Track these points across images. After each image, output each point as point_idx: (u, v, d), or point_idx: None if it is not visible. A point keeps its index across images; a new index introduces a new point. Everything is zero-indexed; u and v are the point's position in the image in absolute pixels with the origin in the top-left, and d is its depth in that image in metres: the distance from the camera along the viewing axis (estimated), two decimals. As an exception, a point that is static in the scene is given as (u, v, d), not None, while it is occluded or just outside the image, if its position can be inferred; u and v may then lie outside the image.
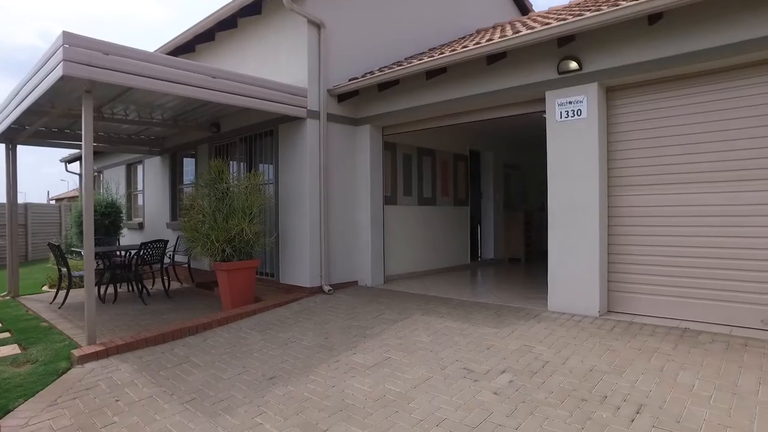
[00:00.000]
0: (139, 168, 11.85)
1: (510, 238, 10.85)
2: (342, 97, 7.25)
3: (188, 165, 10.02)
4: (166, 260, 8.60)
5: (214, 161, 6.68)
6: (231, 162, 8.39)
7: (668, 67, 4.65)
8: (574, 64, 5.19)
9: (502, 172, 10.92)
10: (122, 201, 11.81)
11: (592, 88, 5.12)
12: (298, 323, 5.64)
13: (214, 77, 5.84)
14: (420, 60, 6.34)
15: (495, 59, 5.64)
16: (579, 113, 5.22)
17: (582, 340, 4.43)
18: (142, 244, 7.49)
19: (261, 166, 7.80)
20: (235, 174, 8.13)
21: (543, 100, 5.55)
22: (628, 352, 4.06)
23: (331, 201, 7.21)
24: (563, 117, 5.34)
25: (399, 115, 7.04)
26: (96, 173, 14.37)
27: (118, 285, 8.65)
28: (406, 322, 5.36)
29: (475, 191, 10.54)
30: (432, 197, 9.00)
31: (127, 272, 7.80)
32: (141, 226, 11.49)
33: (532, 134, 10.82)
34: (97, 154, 13.46)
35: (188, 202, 6.65)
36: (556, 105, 5.39)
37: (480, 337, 4.71)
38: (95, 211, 10.00)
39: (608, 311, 5.22)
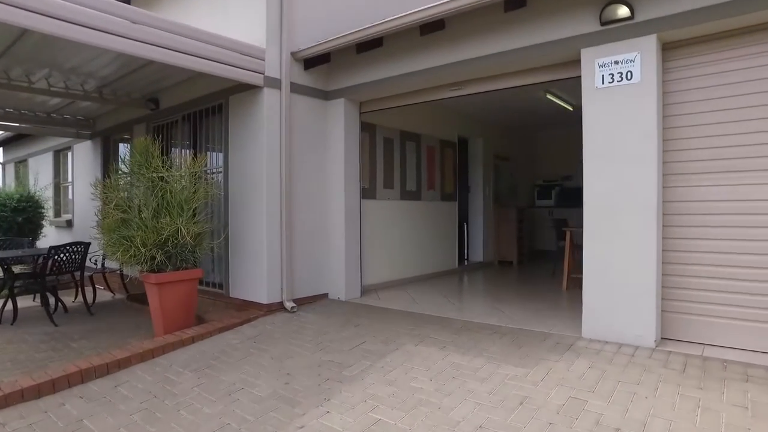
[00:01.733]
0: (69, 155, 10.02)
1: (501, 239, 9.59)
2: (310, 63, 5.76)
3: (124, 151, 8.33)
4: (93, 266, 6.95)
5: (141, 139, 5.08)
6: (173, 146, 6.78)
7: (754, 10, 3.40)
8: (624, 10, 3.87)
9: (491, 163, 9.64)
10: (46, 194, 9.95)
11: (649, 43, 3.82)
12: (250, 357, 4.16)
13: (134, 22, 4.27)
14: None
15: (512, 5, 4.27)
16: (629, 76, 3.91)
17: (651, 389, 3.13)
18: (52, 247, 5.84)
19: (209, 149, 6.24)
20: (176, 160, 6.52)
21: (577, 62, 4.23)
22: (731, 412, 2.77)
23: (296, 194, 5.72)
24: (606, 82, 4.02)
25: (382, 87, 5.60)
26: (18, 161, 12.38)
27: (32, 299, 6.97)
28: (396, 356, 3.95)
29: (462, 184, 9.22)
30: (417, 190, 7.62)
31: (35, 282, 6.11)
32: (70, 224, 9.69)
33: (526, 120, 9.57)
34: (21, 138, 11.50)
35: (104, 193, 5.04)
36: (597, 67, 4.07)
37: (504, 383, 3.35)
38: (3, 206, 8.20)
39: (661, 338, 3.95)
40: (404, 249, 7.33)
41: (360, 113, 6.23)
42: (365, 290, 6.44)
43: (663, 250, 3.95)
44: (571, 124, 10.53)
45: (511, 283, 7.31)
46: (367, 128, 6.65)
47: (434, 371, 3.62)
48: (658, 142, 3.83)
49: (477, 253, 9.41)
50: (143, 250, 4.77)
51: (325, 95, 6.10)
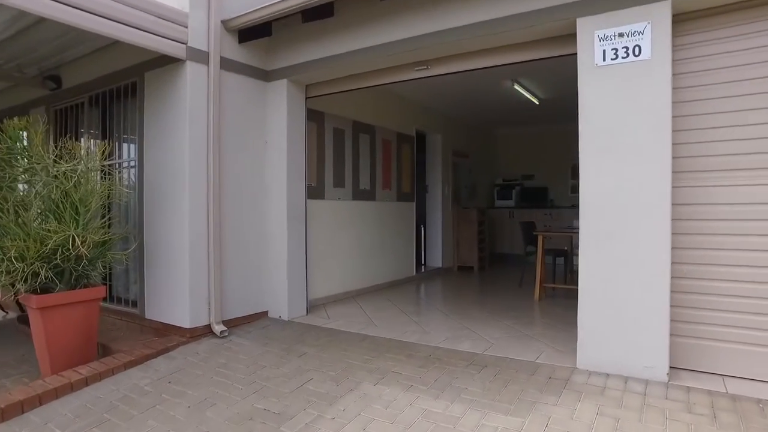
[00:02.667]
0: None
1: (461, 243, 8.89)
2: (246, 35, 4.78)
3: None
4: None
5: (16, 121, 3.91)
6: (81, 135, 5.59)
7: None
8: (632, -31, 3.17)
9: (450, 161, 8.92)
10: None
11: (661, 11, 3.13)
12: (160, 406, 3.16)
13: (-2, -40, 3.17)
14: (368, -26, 4.05)
15: (496, -36, 3.48)
16: (637, 52, 3.21)
17: (687, 449, 2.41)
18: None
19: (123, 139, 5.12)
20: (79, 151, 5.34)
21: (572, 35, 3.50)
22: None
23: (228, 193, 4.72)
24: (608, 59, 3.31)
25: (333, 66, 4.70)
26: None
27: None
28: (352, 402, 3.07)
29: (419, 183, 8.45)
30: (371, 189, 6.76)
31: None
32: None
33: (488, 114, 8.92)
34: None
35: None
36: (596, 40, 3.35)
37: (498, 444, 2.55)
38: None
39: (670, 367, 3.27)
40: (357, 256, 6.45)
41: (306, 98, 5.29)
42: (312, 306, 5.52)
43: (672, 263, 3.28)
44: (534, 121, 10.09)
45: (478, 294, 6.58)
46: (315, 117, 5.72)
47: (402, 425, 2.76)
48: (670, 133, 3.15)
49: (435, 258, 8.67)
50: (20, 264, 3.64)
51: (265, 75, 5.12)
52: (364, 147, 6.60)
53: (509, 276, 8.14)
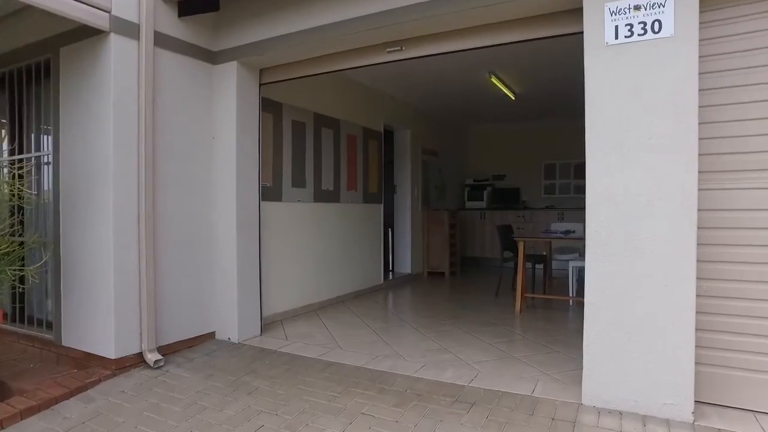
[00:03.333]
0: None
1: (431, 247, 8.33)
2: (186, 7, 4.03)
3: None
4: None
5: None
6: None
7: None
8: (654, -74, 2.63)
9: (420, 159, 8.34)
10: None
11: (687, -22, 2.62)
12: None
13: None
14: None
15: None
16: (656, 28, 2.68)
17: None
18: None
19: (38, 129, 4.27)
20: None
21: (577, 10, 2.95)
22: None
23: (164, 195, 3.96)
24: (622, 36, 2.77)
25: (291, 46, 4.01)
26: None
27: None
28: (315, 463, 2.41)
29: (387, 183, 7.83)
30: (334, 190, 6.09)
31: None
32: None
33: (460, 109, 8.40)
34: None
35: None
36: (607, 14, 2.80)
37: None
38: None
39: (695, 401, 2.76)
40: (319, 265, 5.77)
41: (260, 84, 4.58)
42: (268, 324, 4.81)
43: (696, 278, 2.76)
44: (506, 118, 9.62)
45: (452, 306, 6.01)
46: (271, 107, 5.01)
47: (379, 497, 2.13)
48: (697, 125, 2.63)
49: (404, 264, 8.07)
50: None
51: (212, 57, 4.38)
52: (327, 143, 5.93)
53: (483, 283, 7.62)
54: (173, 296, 4.02)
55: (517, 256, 6.14)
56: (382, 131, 7.19)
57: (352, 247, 6.41)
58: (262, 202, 4.69)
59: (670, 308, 2.68)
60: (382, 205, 7.18)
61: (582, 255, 6.73)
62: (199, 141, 4.30)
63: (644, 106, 2.73)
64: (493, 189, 10.04)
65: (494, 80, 6.35)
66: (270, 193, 4.95)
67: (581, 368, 2.95)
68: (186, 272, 4.16)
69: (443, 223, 8.22)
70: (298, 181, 5.41)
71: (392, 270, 8.14)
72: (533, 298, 5.92)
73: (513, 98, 7.28)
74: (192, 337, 4.22)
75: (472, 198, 9.89)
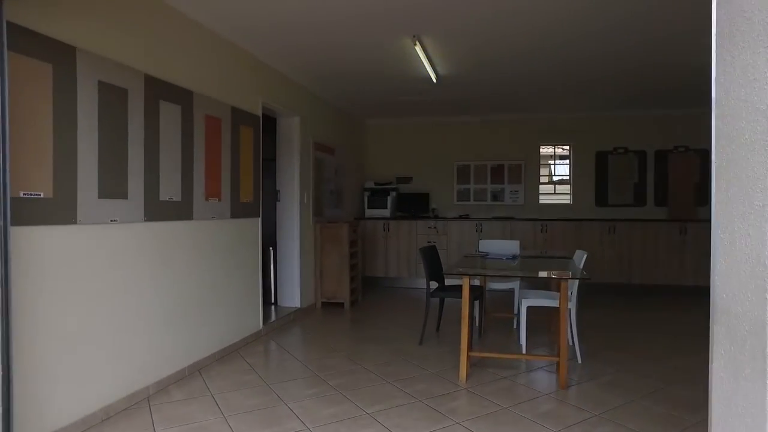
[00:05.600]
0: None
1: (326, 269, 6.43)
2: None
3: None
4: None
5: None
6: None
7: None
8: None
9: (312, 156, 6.40)
10: None
11: None
12: None
13: None
14: None
15: None
16: None
17: None
18: None
19: None
20: None
21: None
22: None
23: None
24: None
25: None
26: None
27: None
28: None
29: (268, 189, 5.79)
30: (184, 201, 3.90)
31: None
32: None
33: (361, 94, 6.60)
34: None
35: None
36: None
37: None
38: None
39: None
40: (155, 323, 3.58)
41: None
42: (38, 457, 2.57)
43: None
44: (415, 111, 7.98)
45: (364, 365, 4.16)
46: (48, 50, 2.73)
47: None
48: None
49: (291, 295, 6.07)
50: None
51: None
52: (170, 126, 3.73)
53: (396, 317, 5.91)
54: None
55: (449, 290, 4.54)
56: (261, 115, 5.12)
57: (214, 284, 4.28)
58: (28, 228, 2.45)
59: None
60: (259, 219, 5.11)
61: (528, 283, 5.34)
62: None
63: None
64: (399, 194, 8.40)
65: (418, 50, 4.63)
66: (48, 210, 2.69)
67: None
68: None
69: (341, 239, 6.38)
70: (113, 189, 3.17)
71: (275, 303, 6.10)
72: (486, 358, 4.27)
73: (435, 80, 5.64)
74: None
75: (374, 205, 8.15)
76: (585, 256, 4.19)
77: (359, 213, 8.33)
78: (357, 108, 7.75)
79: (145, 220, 3.43)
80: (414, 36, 4.39)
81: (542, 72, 5.61)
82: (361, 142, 8.69)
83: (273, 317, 5.57)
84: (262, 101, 5.12)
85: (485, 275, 4.41)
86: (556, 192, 8.22)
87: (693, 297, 6.96)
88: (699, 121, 7.42)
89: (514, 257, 4.58)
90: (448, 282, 4.71)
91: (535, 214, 7.97)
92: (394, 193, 8.25)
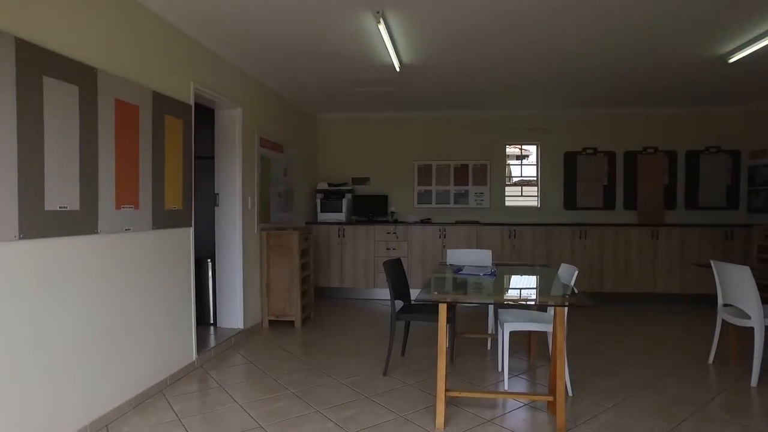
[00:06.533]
0: None
1: (273, 283, 5.64)
2: None
3: None
4: None
5: None
6: None
7: None
8: None
9: (257, 155, 5.58)
10: None
11: None
12: None
13: None
14: None
15: None
16: None
17: None
18: None
19: None
20: None
21: None
22: None
23: None
24: None
25: None
26: None
27: None
28: None
29: (201, 192, 4.93)
30: (84, 210, 3.03)
31: None
32: None
33: (316, 84, 5.85)
34: None
35: None
36: None
37: None
38: None
39: None
40: (50, 371, 2.71)
41: None
42: None
43: None
44: (371, 106, 7.30)
45: (317, 413, 3.42)
46: None
47: None
48: None
49: (233, 313, 5.24)
50: None
51: None
52: (63, 112, 2.86)
53: (356, 336, 5.20)
54: None
55: (416, 311, 3.90)
56: (193, 104, 4.27)
57: (127, 313, 3.43)
58: None
59: None
60: (191, 229, 4.26)
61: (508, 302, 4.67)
62: None
63: None
64: (354, 196, 7.68)
65: (382, 29, 3.93)
66: None
67: None
68: None
69: (291, 248, 5.60)
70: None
71: (214, 324, 5.26)
72: (466, 398, 3.61)
73: (398, 69, 4.97)
74: None
75: (328, 209, 7.39)
76: (576, 273, 3.62)
77: (311, 217, 7.55)
78: (309, 101, 6.97)
79: (20, 238, 2.55)
80: (378, 12, 3.69)
81: (513, 62, 5.04)
82: (314, 139, 7.91)
83: (211, 343, 4.73)
84: (194, 87, 4.27)
85: (470, 303, 3.77)
86: (523, 194, 7.73)
87: (665, 304, 6.65)
88: (671, 121, 7.11)
89: (492, 273, 3.96)
90: (415, 299, 4.05)
91: (501, 217, 7.45)
92: (349, 196, 7.53)
